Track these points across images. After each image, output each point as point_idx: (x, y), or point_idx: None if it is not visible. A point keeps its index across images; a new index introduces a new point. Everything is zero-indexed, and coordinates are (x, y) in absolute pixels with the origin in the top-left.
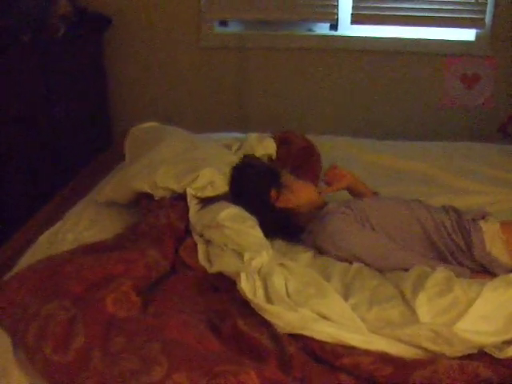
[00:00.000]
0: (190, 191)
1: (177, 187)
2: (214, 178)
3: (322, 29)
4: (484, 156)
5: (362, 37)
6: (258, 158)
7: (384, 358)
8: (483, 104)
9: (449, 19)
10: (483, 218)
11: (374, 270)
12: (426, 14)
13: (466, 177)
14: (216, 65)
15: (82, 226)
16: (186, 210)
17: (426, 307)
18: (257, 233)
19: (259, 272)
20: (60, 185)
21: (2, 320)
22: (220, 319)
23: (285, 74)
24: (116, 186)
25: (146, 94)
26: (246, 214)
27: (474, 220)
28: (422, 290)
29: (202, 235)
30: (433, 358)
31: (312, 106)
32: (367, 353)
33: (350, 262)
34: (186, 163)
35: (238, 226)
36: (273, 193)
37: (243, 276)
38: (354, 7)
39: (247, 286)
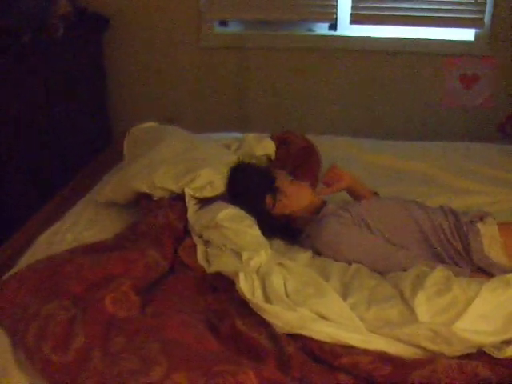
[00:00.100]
0: (188, 191)
1: (175, 187)
2: (213, 179)
3: (322, 29)
4: (484, 156)
5: (361, 37)
6: (252, 164)
7: (383, 357)
8: (482, 104)
9: (448, 19)
10: (481, 219)
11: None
12: (426, 14)
13: (465, 177)
14: (216, 65)
15: (81, 225)
16: (185, 210)
17: (424, 306)
18: (255, 232)
19: (258, 272)
20: (60, 185)
21: (1, 320)
22: (219, 319)
23: (284, 74)
24: (115, 186)
25: (146, 94)
26: (244, 214)
27: (471, 222)
28: (421, 290)
29: (200, 235)
30: (432, 358)
31: (312, 106)
32: (366, 352)
33: (349, 263)
34: (185, 163)
35: (236, 225)
36: (268, 200)
37: (242, 276)
38: (353, 7)
39: (246, 286)
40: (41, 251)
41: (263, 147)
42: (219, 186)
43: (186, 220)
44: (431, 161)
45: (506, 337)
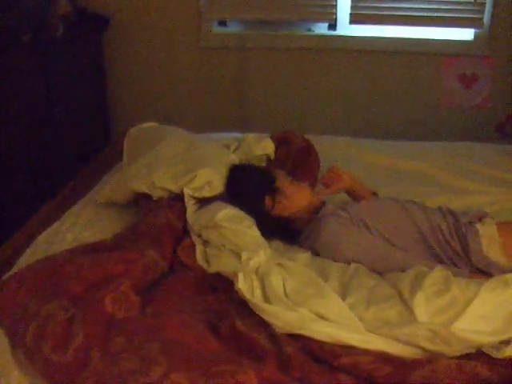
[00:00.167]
0: (187, 191)
1: (174, 187)
2: (212, 179)
3: (321, 29)
4: (483, 156)
5: (361, 36)
6: (251, 164)
7: (383, 357)
8: (481, 104)
9: (447, 19)
10: (480, 219)
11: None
12: (425, 14)
13: (465, 177)
14: (215, 65)
15: (81, 225)
16: (184, 210)
17: (423, 307)
18: (254, 232)
19: (257, 272)
20: (60, 184)
21: (1, 320)
22: (218, 319)
23: (284, 74)
24: (115, 186)
25: (146, 94)
26: (244, 214)
27: (470, 223)
28: (420, 290)
29: (200, 235)
30: (431, 358)
31: (311, 106)
32: (366, 352)
33: (348, 263)
34: (184, 163)
35: (235, 226)
36: (267, 201)
37: (241, 276)
38: (352, 7)
39: (245, 286)
40: (40, 251)
41: (262, 147)
42: (218, 186)
43: (185, 220)
44: (431, 161)
45: (504, 337)
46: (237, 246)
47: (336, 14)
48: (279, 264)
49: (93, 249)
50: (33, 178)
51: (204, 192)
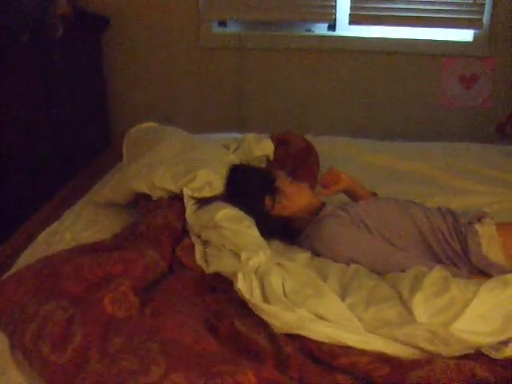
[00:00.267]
0: (186, 191)
1: (174, 187)
2: (212, 179)
3: (320, 29)
4: (483, 156)
5: (360, 37)
6: (251, 164)
7: (381, 357)
8: (481, 104)
9: (447, 20)
10: (479, 219)
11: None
12: (424, 15)
13: (465, 177)
14: (215, 65)
15: (80, 225)
16: (184, 210)
17: (422, 307)
18: (254, 233)
19: (256, 272)
20: (59, 185)
21: (0, 320)
22: (217, 319)
23: (283, 74)
24: (114, 186)
25: (145, 95)
26: (243, 215)
27: (470, 223)
28: (419, 290)
29: (199, 235)
30: (430, 358)
31: (311, 107)
32: (364, 353)
33: (348, 264)
34: (184, 163)
35: (235, 226)
36: (267, 201)
37: (240, 276)
38: (351, 7)
39: (244, 286)
40: (40, 251)
41: (262, 148)
42: (218, 186)
43: (185, 220)
44: (430, 161)
45: (503, 337)
46: (236, 246)
47: (335, 15)
48: (278, 264)
49: (92, 249)
50: (32, 178)
51: (204, 192)
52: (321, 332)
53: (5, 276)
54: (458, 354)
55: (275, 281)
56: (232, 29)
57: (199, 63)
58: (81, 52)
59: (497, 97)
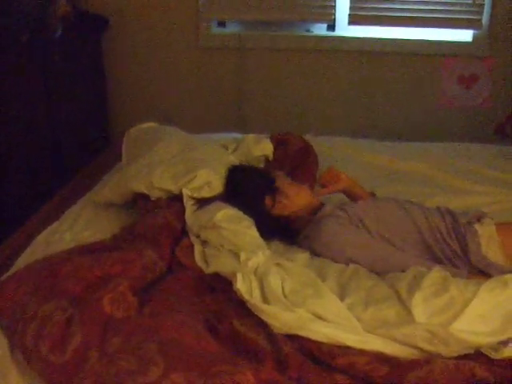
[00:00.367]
0: (186, 192)
1: (173, 188)
2: (211, 179)
3: (320, 29)
4: (483, 157)
5: (360, 37)
6: (250, 165)
7: (380, 358)
8: (481, 104)
9: (446, 20)
10: (479, 219)
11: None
12: (424, 15)
13: (464, 177)
14: (214, 65)
15: (79, 226)
16: (183, 210)
17: (421, 307)
18: (253, 233)
19: (255, 272)
20: (59, 185)
21: (0, 320)
22: (217, 320)
23: (283, 75)
24: (114, 186)
25: (145, 95)
26: (242, 215)
27: (469, 223)
28: (418, 290)
29: (198, 236)
30: (429, 358)
31: (310, 107)
32: (363, 353)
33: (347, 264)
34: (183, 164)
35: (234, 226)
36: (268, 201)
37: (239, 276)
38: (351, 8)
39: (243, 287)
40: (39, 251)
41: (261, 148)
42: (217, 186)
43: (184, 220)
44: (430, 161)
45: (503, 337)
46: (235, 247)
47: (335, 15)
48: (278, 264)
49: (91, 249)
50: (32, 178)
51: (203, 192)
52: (320, 332)
53: (4, 276)
54: (457, 354)
55: (274, 281)
56: (232, 29)
57: (199, 63)
58: (81, 52)
59: (496, 97)
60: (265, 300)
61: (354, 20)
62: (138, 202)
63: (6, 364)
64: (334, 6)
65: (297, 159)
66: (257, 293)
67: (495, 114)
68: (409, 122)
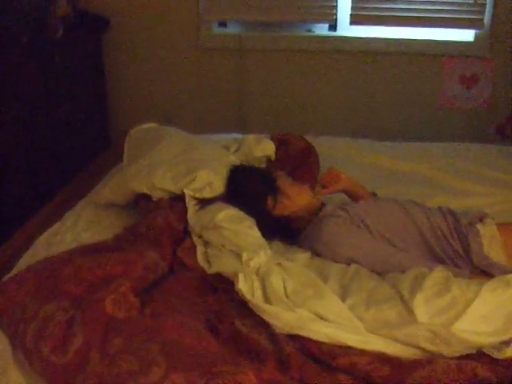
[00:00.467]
0: (188, 192)
1: (174, 188)
2: (212, 179)
3: (321, 29)
4: (483, 157)
5: (361, 37)
6: (251, 165)
7: (381, 358)
8: (482, 105)
9: (447, 20)
10: (481, 220)
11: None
12: (425, 15)
13: (465, 178)
14: (215, 66)
15: (80, 226)
16: (185, 211)
17: (423, 307)
18: (255, 233)
19: (257, 272)
20: (59, 185)
21: (1, 321)
22: (218, 320)
23: (284, 75)
24: (115, 187)
25: (145, 95)
26: (244, 215)
27: (471, 223)
28: (420, 291)
29: (200, 236)
30: (431, 358)
31: (311, 107)
32: (364, 353)
33: (348, 264)
34: (184, 164)
35: (235, 226)
36: (269, 201)
37: (241, 277)
38: (352, 8)
39: (245, 287)
40: (40, 252)
41: (262, 148)
42: (218, 186)
43: (186, 221)
44: (431, 162)
45: (505, 337)
46: (237, 247)
47: (336, 15)
48: (279, 264)
49: (92, 250)
50: (33, 178)
51: (204, 193)
52: (321, 332)
53: (6, 277)
54: (459, 354)
55: (276, 281)
56: (232, 29)
57: (199, 64)
58: (81, 52)
59: (497, 97)
60: (266, 300)
61: (355, 20)
62: (139, 202)
63: (7, 363)
64: (336, 6)
65: (298, 159)
66: (258, 293)
67: (496, 115)
68: (409, 122)
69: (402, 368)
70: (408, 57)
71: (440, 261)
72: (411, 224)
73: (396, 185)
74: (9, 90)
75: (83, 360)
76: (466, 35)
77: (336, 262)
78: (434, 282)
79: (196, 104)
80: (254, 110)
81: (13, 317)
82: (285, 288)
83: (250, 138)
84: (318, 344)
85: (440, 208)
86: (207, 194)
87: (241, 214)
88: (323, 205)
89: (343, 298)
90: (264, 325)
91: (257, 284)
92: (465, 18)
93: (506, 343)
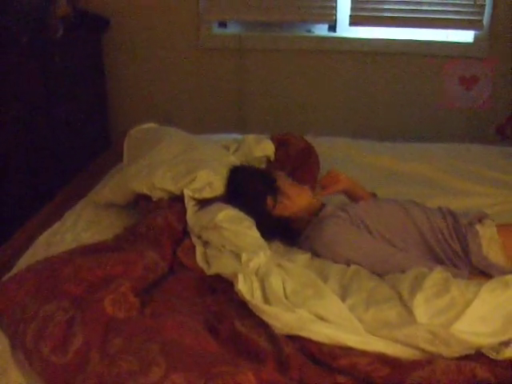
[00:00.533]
0: (187, 192)
1: (174, 188)
2: (212, 180)
3: (321, 30)
4: (483, 157)
5: (361, 38)
6: (251, 165)
7: (381, 358)
8: (481, 105)
9: (447, 21)
10: (480, 220)
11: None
12: (425, 16)
13: (465, 178)
14: (215, 66)
15: (80, 226)
16: (184, 211)
17: (423, 308)
18: (254, 233)
19: (257, 273)
20: (59, 185)
21: (1, 321)
22: (218, 320)
23: (283, 75)
24: (114, 187)
25: (145, 95)
26: (243, 215)
27: (470, 224)
28: (420, 291)
29: (200, 236)
30: (430, 359)
31: (311, 107)
32: (364, 354)
33: (348, 265)
34: (184, 164)
35: (235, 227)
36: (269, 201)
37: (241, 277)
38: (352, 8)
39: (245, 287)
40: (40, 252)
41: (262, 148)
42: (218, 186)
43: (186, 221)
44: (431, 162)
45: (504, 338)
46: (236, 247)
47: (336, 16)
48: (279, 265)
49: (92, 250)
50: (33, 178)
51: (204, 193)
52: (321, 333)
53: (6, 277)
54: (458, 354)
55: (276, 282)
56: (232, 29)
57: (199, 64)
58: (81, 52)
59: (497, 98)
60: (266, 301)
61: (355, 21)
62: (139, 202)
63: (6, 362)
64: (335, 6)
65: (298, 160)
66: (258, 293)
67: (496, 115)
68: (409, 122)
69: (401, 368)
70: (408, 58)
71: (439, 261)
72: (411, 224)
73: (396, 185)
74: (9, 90)
75: (83, 360)
76: (466, 36)
77: (336, 262)
78: (433, 283)
79: (196, 104)
80: (254, 110)
81: (13, 317)
82: (284, 289)
83: (250, 138)
84: (318, 345)
85: (440, 208)
86: (207, 194)
87: (241, 214)
88: (323, 205)
89: (343, 298)
90: (263, 325)
91: (256, 284)
92: (464, 19)
93: (505, 344)
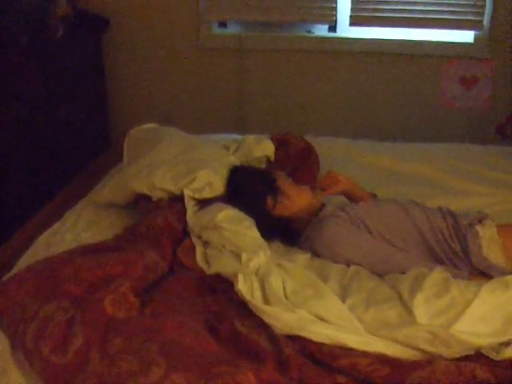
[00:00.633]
0: (187, 192)
1: (174, 188)
2: (212, 180)
3: (321, 30)
4: (483, 158)
5: (361, 38)
6: (251, 165)
7: (381, 359)
8: (481, 106)
9: (447, 21)
10: (480, 221)
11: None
12: (425, 16)
13: (465, 178)
14: (215, 66)
15: (80, 226)
16: (184, 211)
17: (423, 308)
18: (254, 233)
19: (257, 273)
20: (59, 185)
21: (1, 321)
22: (218, 320)
23: (283, 76)
24: (114, 187)
25: (145, 95)
26: (243, 215)
27: (470, 225)
28: (420, 291)
29: (200, 236)
30: (430, 359)
31: (311, 108)
32: (364, 354)
33: (348, 265)
34: (184, 164)
35: (235, 227)
36: (269, 201)
37: (241, 277)
38: (352, 9)
39: (245, 287)
40: (40, 252)
41: (262, 148)
42: (218, 187)
43: (186, 221)
44: (431, 162)
45: (504, 338)
46: (236, 247)
47: (336, 16)
48: (279, 265)
49: (92, 250)
50: (33, 178)
51: (204, 193)
52: (321, 333)
53: (6, 277)
54: (458, 355)
55: (276, 282)
56: (232, 29)
57: (199, 64)
58: (81, 52)
59: (497, 98)
60: (266, 301)
61: (355, 21)
62: (139, 202)
63: (7, 363)
64: (335, 7)
65: (298, 160)
66: (258, 294)
67: (496, 115)
68: (409, 122)
69: (401, 368)
70: (408, 58)
71: (439, 261)
72: (411, 224)
73: (396, 185)
74: (9, 90)
75: (83, 360)
76: (466, 36)
77: (336, 262)
78: (433, 283)
79: (196, 104)
80: (254, 110)
81: (13, 317)
82: (284, 289)
83: (250, 138)
84: (318, 345)
85: (440, 208)
86: (207, 194)
87: (240, 214)
88: (323, 205)
89: (343, 299)
90: (263, 325)
91: (256, 285)
92: (464, 20)
93: (505, 344)
